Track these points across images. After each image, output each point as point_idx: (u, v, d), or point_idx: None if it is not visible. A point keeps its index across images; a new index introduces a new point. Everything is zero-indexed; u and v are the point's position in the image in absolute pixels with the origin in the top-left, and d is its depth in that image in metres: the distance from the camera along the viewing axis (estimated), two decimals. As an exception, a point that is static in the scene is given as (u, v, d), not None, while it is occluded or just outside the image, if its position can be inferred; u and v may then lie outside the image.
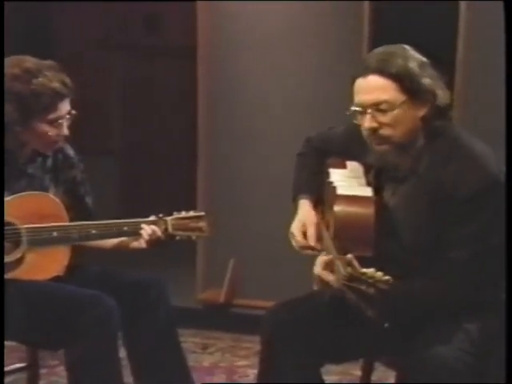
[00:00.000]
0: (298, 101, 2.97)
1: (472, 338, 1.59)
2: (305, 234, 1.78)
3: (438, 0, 2.76)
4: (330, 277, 1.58)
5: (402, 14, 2.75)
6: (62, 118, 1.87)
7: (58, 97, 1.84)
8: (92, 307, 1.79)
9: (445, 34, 2.76)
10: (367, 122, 1.63)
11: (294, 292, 1.84)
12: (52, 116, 1.85)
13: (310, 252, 1.77)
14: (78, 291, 1.84)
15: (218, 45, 3.03)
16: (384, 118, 1.62)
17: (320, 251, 1.74)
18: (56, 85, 1.83)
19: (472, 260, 1.58)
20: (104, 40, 4.17)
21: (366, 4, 2.80)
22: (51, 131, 1.87)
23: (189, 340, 2.85)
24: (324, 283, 1.60)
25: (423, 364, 1.54)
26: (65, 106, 1.87)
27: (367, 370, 1.97)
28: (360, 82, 1.64)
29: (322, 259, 1.63)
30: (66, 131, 1.89)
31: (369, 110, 1.62)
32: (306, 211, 1.83)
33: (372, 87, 1.62)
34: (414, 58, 1.63)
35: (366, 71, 1.63)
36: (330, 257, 1.58)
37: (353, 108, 1.66)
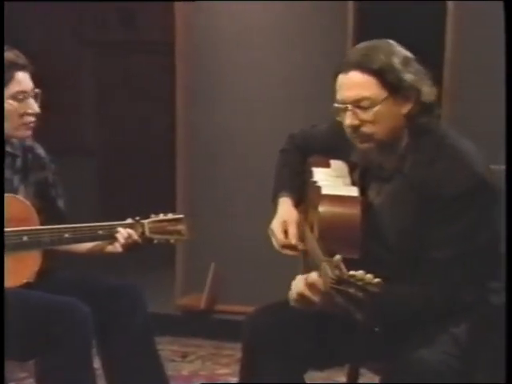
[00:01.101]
0: (280, 98, 2.98)
1: (458, 341, 1.59)
2: (286, 233, 1.78)
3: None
4: (313, 297, 1.54)
5: (388, 13, 2.77)
6: (25, 92, 1.86)
7: (14, 67, 1.84)
8: (64, 314, 1.76)
9: (433, 32, 2.78)
10: (348, 119, 1.63)
11: (278, 296, 1.83)
12: (14, 89, 1.84)
13: (290, 252, 1.76)
14: (48, 298, 1.82)
15: (197, 41, 3.03)
16: (365, 115, 1.62)
17: (301, 251, 1.73)
18: (9, 54, 1.84)
19: (457, 260, 1.59)
20: (77, 36, 4.14)
21: (351, 4, 2.81)
22: (19, 108, 1.86)
23: (167, 348, 2.84)
24: (304, 302, 1.56)
25: (407, 368, 1.54)
26: (25, 80, 1.87)
27: (352, 377, 1.97)
28: (342, 78, 1.65)
29: (303, 277, 1.59)
30: (36, 108, 1.88)
31: (350, 107, 1.62)
32: (286, 209, 1.82)
33: (353, 83, 1.62)
34: (397, 54, 1.63)
35: (347, 67, 1.63)
36: (313, 275, 1.54)
37: (335, 105, 1.66)
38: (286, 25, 2.93)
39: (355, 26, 2.81)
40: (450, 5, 2.73)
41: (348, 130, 1.65)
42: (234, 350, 2.72)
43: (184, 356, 2.87)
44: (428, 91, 1.64)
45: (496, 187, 1.62)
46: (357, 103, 1.62)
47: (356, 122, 1.63)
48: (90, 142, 4.25)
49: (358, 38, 2.74)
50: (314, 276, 1.53)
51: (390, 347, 1.60)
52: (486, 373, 1.61)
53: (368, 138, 1.64)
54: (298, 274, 1.66)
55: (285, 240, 1.77)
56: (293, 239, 1.76)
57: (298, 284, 1.58)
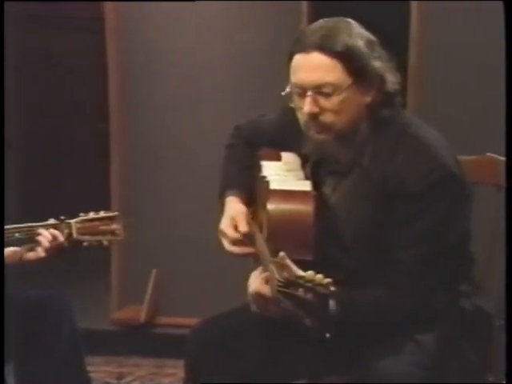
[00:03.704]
0: (226, 83, 2.99)
1: (425, 350, 1.63)
2: (236, 228, 1.79)
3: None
4: (265, 289, 1.58)
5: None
6: None
7: None
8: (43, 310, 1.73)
9: (396, 9, 2.83)
10: (307, 106, 1.64)
11: (226, 306, 1.86)
12: None
13: (242, 250, 1.77)
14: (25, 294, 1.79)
15: (131, 16, 3.01)
16: (327, 103, 1.63)
17: (250, 252, 1.75)
18: None
19: (423, 261, 1.62)
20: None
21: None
22: None
23: (101, 369, 2.84)
24: (263, 302, 1.59)
25: (370, 380, 1.58)
26: None
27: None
28: (300, 59, 1.65)
29: (258, 273, 1.63)
30: None
31: (309, 93, 1.63)
32: (234, 206, 1.84)
33: (314, 66, 1.63)
34: (360, 35, 1.66)
35: (307, 47, 1.64)
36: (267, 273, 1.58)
37: (289, 88, 1.67)
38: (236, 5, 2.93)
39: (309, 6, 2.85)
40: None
41: (304, 119, 1.67)
42: (177, 368, 2.73)
43: (120, 377, 2.86)
44: (392, 79, 1.67)
45: (465, 180, 1.66)
46: (318, 89, 1.63)
47: (316, 110, 1.64)
48: (10, 133, 4.19)
49: (312, 16, 2.79)
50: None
51: (352, 358, 1.64)
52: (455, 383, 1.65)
53: (326, 128, 1.65)
54: (247, 280, 1.69)
55: (236, 234, 1.77)
56: (243, 228, 1.77)
57: (254, 282, 1.61)
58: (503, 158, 1.89)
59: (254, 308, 1.63)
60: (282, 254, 1.47)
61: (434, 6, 2.77)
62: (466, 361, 1.69)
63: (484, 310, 1.75)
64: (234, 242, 1.78)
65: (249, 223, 1.81)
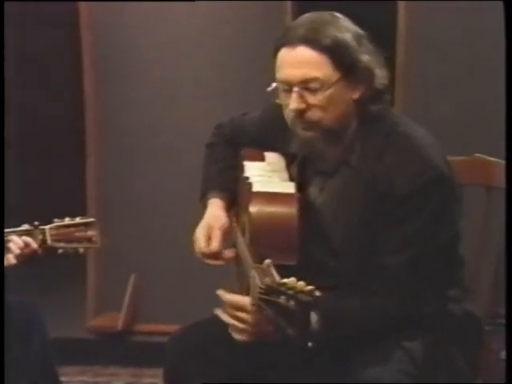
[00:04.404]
0: (208, 80, 3.00)
1: (413, 357, 1.64)
2: (210, 239, 1.80)
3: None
4: (240, 325, 1.57)
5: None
6: None
7: None
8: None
9: (383, 7, 2.85)
10: (294, 103, 1.64)
11: (207, 313, 1.85)
12: None
13: (213, 262, 1.79)
14: None
15: (106, 11, 3.01)
16: (314, 99, 1.64)
17: (227, 260, 1.76)
18: None
19: (412, 265, 1.63)
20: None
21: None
22: None
23: (76, 379, 2.83)
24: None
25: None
26: None
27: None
28: (285, 54, 1.65)
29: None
30: None
31: (296, 88, 1.63)
32: (213, 212, 1.84)
33: (301, 61, 1.63)
34: (348, 29, 1.66)
35: (292, 40, 1.64)
36: (245, 299, 1.56)
37: (275, 84, 1.67)
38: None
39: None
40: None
41: (290, 115, 1.67)
42: (156, 378, 2.73)
43: (96, 387, 2.88)
44: (381, 74, 1.68)
45: (455, 181, 1.68)
46: (305, 84, 1.63)
47: (302, 106, 1.64)
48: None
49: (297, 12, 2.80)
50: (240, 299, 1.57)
51: (338, 366, 1.64)
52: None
53: (313, 124, 1.66)
54: (229, 286, 1.69)
55: (205, 248, 1.79)
56: (215, 246, 1.79)
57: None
58: (492, 159, 1.92)
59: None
60: (267, 261, 1.47)
61: (422, 2, 2.79)
62: (455, 367, 1.70)
63: (473, 315, 1.76)
64: (204, 255, 1.80)
65: (229, 229, 1.81)
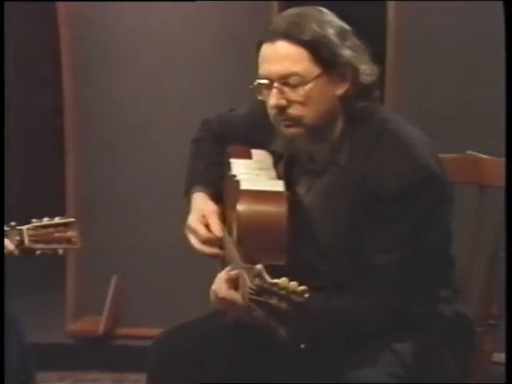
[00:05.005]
0: (193, 75, 3.00)
1: (402, 359, 1.65)
2: (207, 227, 1.78)
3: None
4: (235, 295, 1.59)
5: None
6: None
7: None
8: None
9: (372, 2, 2.87)
10: (273, 99, 1.65)
11: (191, 315, 1.86)
12: None
13: (212, 250, 1.77)
14: None
15: (85, 5, 3.00)
16: (294, 94, 1.65)
17: (222, 253, 1.75)
18: None
19: (402, 266, 1.64)
20: None
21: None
22: None
23: (55, 386, 2.83)
24: (226, 303, 1.61)
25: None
26: None
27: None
28: (266, 49, 1.67)
29: (225, 275, 1.63)
30: None
31: (276, 84, 1.65)
32: (202, 202, 1.84)
33: (280, 56, 1.64)
34: (332, 24, 1.67)
35: (272, 35, 1.65)
36: (236, 271, 1.60)
37: (258, 81, 1.68)
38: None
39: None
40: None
41: (272, 112, 1.68)
42: (139, 383, 2.73)
43: (77, 393, 2.87)
44: (367, 70, 1.69)
45: (446, 180, 1.69)
46: (284, 79, 1.64)
47: (282, 102, 1.65)
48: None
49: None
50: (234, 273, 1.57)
51: (326, 368, 1.65)
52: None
53: (296, 121, 1.67)
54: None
55: (208, 234, 1.77)
56: (217, 231, 1.77)
57: (221, 287, 1.61)
58: (484, 156, 1.93)
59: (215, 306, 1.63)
60: (259, 266, 1.47)
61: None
62: (446, 369, 1.71)
63: (465, 316, 1.78)
64: (204, 241, 1.78)
65: (220, 219, 1.81)
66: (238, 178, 1.74)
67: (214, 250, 1.77)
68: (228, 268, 1.64)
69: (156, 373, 1.79)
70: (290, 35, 1.64)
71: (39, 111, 4.03)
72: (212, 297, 1.65)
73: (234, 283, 1.59)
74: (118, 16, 3.01)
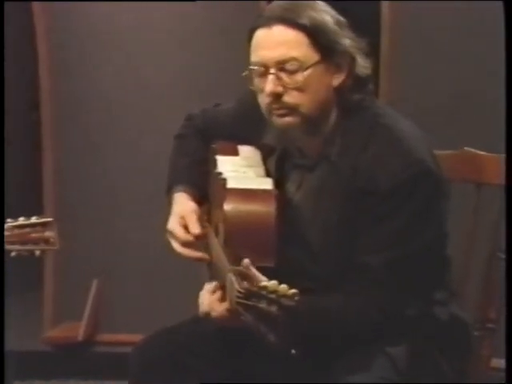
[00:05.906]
0: (176, 69, 3.00)
1: (395, 364, 1.66)
2: (186, 228, 1.78)
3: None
4: (220, 307, 1.60)
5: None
6: None
7: None
8: None
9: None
10: (270, 85, 1.65)
11: (174, 320, 1.87)
12: None
13: (195, 254, 1.77)
14: None
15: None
16: (291, 81, 1.65)
17: (206, 256, 1.76)
18: None
19: (395, 266, 1.65)
20: None
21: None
22: None
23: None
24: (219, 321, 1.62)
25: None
26: None
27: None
28: (261, 35, 1.66)
29: (211, 289, 1.64)
30: None
31: (272, 70, 1.65)
32: (182, 203, 1.83)
33: (277, 41, 1.64)
34: (327, 12, 1.69)
35: (269, 21, 1.65)
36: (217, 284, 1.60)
37: (251, 67, 1.68)
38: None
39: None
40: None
41: (266, 101, 1.67)
42: (121, 391, 2.73)
43: (55, 403, 2.87)
44: (363, 62, 1.70)
45: (442, 176, 1.69)
46: (282, 65, 1.64)
47: (279, 89, 1.65)
48: None
49: None
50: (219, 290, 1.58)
51: (317, 373, 1.66)
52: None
53: (291, 109, 1.66)
54: (199, 291, 1.70)
55: (186, 235, 1.77)
56: (195, 229, 1.76)
57: (207, 300, 1.63)
58: (482, 153, 1.94)
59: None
60: (246, 261, 1.48)
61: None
62: (441, 374, 1.72)
63: (461, 319, 1.79)
64: (184, 244, 1.78)
65: (201, 224, 1.81)
66: (224, 175, 1.74)
67: (197, 254, 1.77)
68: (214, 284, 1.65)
69: (138, 380, 1.80)
70: (288, 19, 1.64)
71: (14, 105, 4.01)
72: (200, 308, 1.66)
73: (219, 294, 1.60)
74: (97, 5, 3.01)
